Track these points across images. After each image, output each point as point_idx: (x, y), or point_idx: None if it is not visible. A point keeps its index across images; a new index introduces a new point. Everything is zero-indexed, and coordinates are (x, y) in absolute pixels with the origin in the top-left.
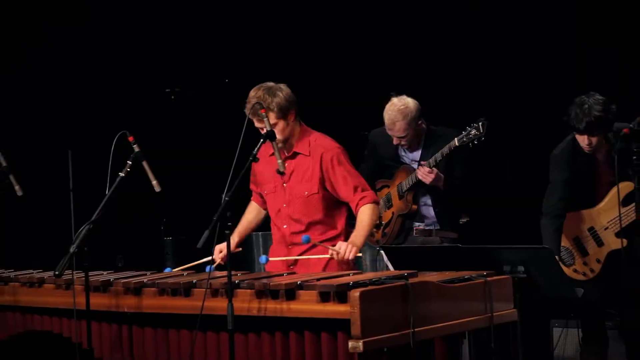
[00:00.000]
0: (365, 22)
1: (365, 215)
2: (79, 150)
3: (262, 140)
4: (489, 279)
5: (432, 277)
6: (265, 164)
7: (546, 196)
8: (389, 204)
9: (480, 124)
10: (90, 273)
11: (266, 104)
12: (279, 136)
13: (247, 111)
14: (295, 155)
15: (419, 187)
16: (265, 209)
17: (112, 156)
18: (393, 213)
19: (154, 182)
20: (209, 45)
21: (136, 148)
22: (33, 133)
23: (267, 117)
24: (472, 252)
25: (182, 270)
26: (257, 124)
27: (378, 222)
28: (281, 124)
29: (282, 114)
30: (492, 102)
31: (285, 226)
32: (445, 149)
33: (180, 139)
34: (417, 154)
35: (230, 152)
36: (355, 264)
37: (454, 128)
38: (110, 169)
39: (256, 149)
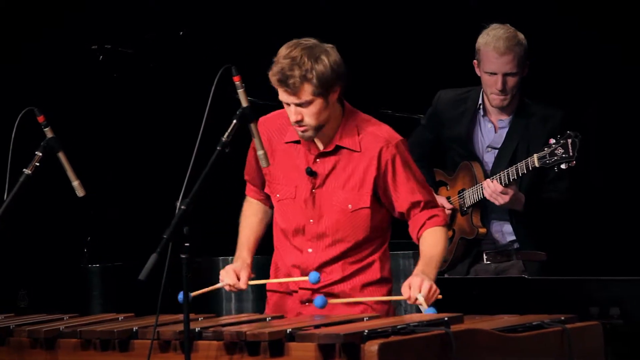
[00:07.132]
0: None
1: (437, 239)
2: None
3: (234, 121)
4: (568, 326)
5: (485, 323)
6: (282, 153)
7: None
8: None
9: (569, 141)
10: None
11: (303, 70)
12: (311, 121)
13: (273, 76)
14: (337, 149)
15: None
16: (271, 207)
17: (14, 144)
18: (454, 231)
19: (75, 183)
20: None
21: (49, 133)
22: None
23: (242, 88)
24: (544, 285)
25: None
26: (282, 97)
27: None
28: (318, 103)
29: (323, 89)
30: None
31: (310, 250)
32: (522, 166)
33: (115, 119)
34: (498, 136)
35: (189, 138)
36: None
37: (558, 108)
38: (11, 163)
39: (227, 133)
